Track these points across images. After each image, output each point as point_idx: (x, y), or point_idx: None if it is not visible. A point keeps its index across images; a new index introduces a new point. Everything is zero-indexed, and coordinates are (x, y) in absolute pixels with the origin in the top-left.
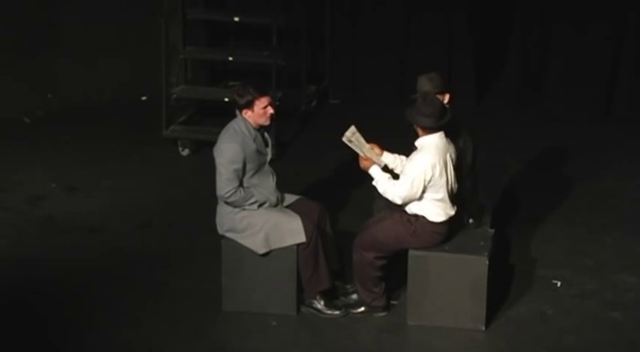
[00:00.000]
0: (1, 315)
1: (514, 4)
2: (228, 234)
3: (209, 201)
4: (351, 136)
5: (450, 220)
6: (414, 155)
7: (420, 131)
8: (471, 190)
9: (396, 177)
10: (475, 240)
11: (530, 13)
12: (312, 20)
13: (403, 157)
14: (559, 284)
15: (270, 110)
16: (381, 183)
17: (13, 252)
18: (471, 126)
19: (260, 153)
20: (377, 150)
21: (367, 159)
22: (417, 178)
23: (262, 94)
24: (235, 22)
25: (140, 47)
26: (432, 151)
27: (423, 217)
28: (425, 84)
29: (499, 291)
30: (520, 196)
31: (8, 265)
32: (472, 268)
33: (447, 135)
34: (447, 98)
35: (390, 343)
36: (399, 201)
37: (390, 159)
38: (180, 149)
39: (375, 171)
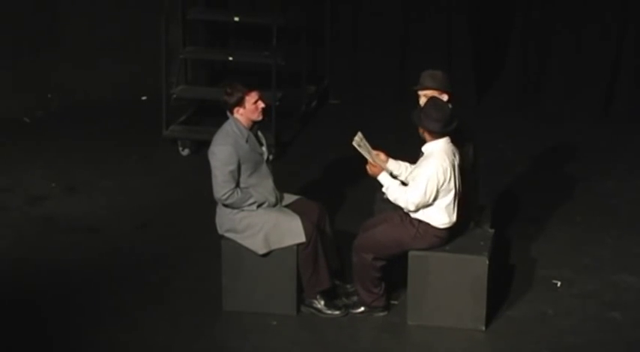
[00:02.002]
0: (1, 315)
1: (514, 3)
2: (228, 235)
3: (209, 201)
4: (360, 141)
5: (453, 226)
6: (424, 160)
7: (427, 136)
8: (472, 191)
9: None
10: (475, 240)
11: (531, 13)
12: (312, 20)
13: (407, 164)
14: (559, 284)
15: (261, 104)
16: (392, 190)
17: (13, 252)
18: (470, 127)
19: (255, 152)
20: (382, 156)
21: (375, 165)
22: (430, 183)
23: (251, 89)
24: (235, 22)
25: (140, 47)
26: (441, 156)
27: (427, 223)
28: (427, 80)
29: (499, 291)
30: (520, 196)
31: (8, 265)
32: (472, 268)
33: (452, 141)
34: (445, 98)
35: (390, 343)
36: (412, 208)
37: (394, 166)
38: (180, 149)
39: (384, 178)
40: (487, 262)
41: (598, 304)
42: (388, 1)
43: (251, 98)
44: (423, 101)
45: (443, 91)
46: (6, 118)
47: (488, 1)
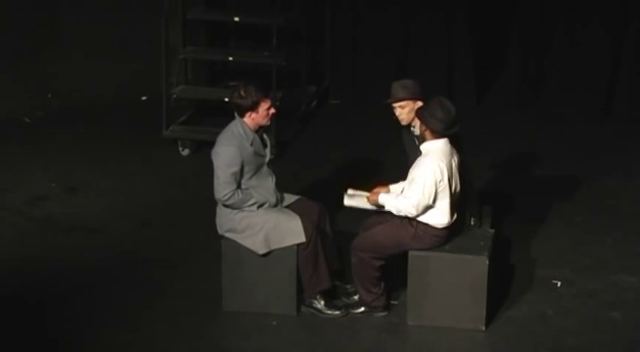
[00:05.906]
0: (1, 315)
1: (514, 3)
2: (228, 235)
3: (209, 201)
4: (351, 200)
5: (452, 224)
6: (421, 159)
7: (427, 134)
8: (469, 190)
9: None
10: (475, 240)
11: (531, 13)
12: (312, 20)
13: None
14: (559, 284)
15: (272, 110)
16: (391, 204)
17: (13, 252)
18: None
19: (258, 154)
20: (381, 190)
21: (374, 194)
22: (428, 182)
23: (265, 95)
24: (235, 22)
25: (140, 47)
26: (438, 155)
27: (426, 223)
28: (399, 92)
29: (499, 291)
30: (520, 196)
31: (8, 265)
32: (472, 268)
33: (451, 143)
34: (418, 105)
35: (390, 343)
36: (414, 212)
37: (397, 188)
38: (180, 149)
39: (382, 200)
40: (487, 262)
41: (598, 304)
42: (388, 1)
43: (265, 104)
44: (398, 112)
45: (416, 99)
46: (6, 118)
47: (488, 2)
